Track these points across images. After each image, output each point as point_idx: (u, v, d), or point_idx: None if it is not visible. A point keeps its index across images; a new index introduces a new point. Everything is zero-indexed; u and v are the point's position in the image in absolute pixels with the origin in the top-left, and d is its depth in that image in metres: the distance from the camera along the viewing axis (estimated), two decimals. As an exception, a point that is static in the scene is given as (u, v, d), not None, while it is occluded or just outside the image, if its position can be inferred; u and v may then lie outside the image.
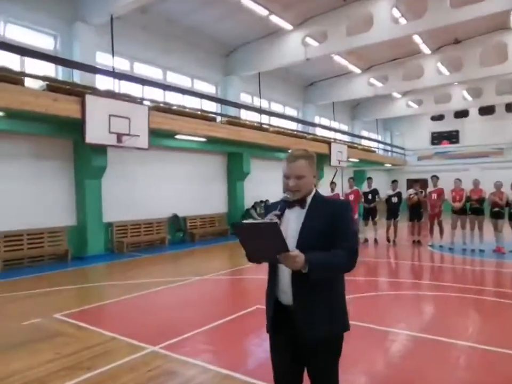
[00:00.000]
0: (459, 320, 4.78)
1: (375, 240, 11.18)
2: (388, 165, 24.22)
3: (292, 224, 2.01)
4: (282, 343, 2.05)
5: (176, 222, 11.98)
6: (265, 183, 16.17)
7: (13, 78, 7.67)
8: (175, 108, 11.41)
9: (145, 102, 10.36)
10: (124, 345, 3.98)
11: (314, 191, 2.07)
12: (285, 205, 2.03)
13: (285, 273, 1.97)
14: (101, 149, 9.30)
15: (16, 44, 8.92)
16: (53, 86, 8.35)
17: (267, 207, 2.21)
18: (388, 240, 10.95)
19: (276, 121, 16.37)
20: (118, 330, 4.38)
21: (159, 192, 11.60)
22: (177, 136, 11.12)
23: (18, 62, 9.33)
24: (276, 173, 17.44)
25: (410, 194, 10.68)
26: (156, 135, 10.30)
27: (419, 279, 7.21)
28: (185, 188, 12.52)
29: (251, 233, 1.78)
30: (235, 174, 14.17)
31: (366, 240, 11.33)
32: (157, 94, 12.20)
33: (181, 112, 11.23)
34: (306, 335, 1.93)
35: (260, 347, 3.94)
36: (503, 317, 4.83)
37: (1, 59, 8.55)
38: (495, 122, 23.23)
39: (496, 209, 9.17)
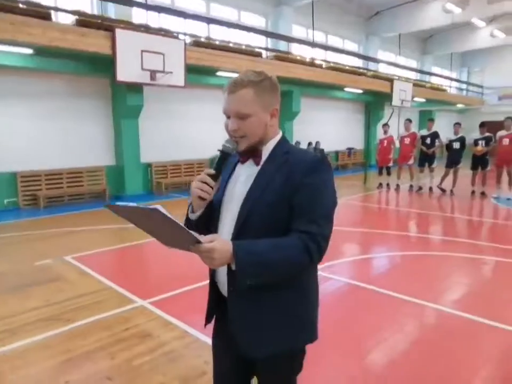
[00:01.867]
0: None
1: (430, 189, 10.09)
2: (461, 105, 21.65)
3: (237, 190, 1.37)
4: (223, 344, 1.50)
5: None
6: (317, 123, 15.22)
7: (41, 13, 7.38)
8: (217, 42, 10.66)
9: (185, 37, 9.71)
10: (115, 297, 3.78)
11: (278, 138, 1.39)
12: (225, 155, 1.35)
13: None
14: (136, 88, 8.97)
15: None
16: (83, 21, 7.97)
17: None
18: (442, 190, 9.82)
19: (332, 57, 14.95)
20: (117, 279, 4.21)
21: (200, 132, 11.24)
22: (218, 73, 10.47)
23: (53, -5, 9.01)
24: (330, 113, 16.44)
25: (477, 142, 9.22)
26: (195, 72, 9.75)
27: (476, 239, 6.26)
28: (229, 128, 12.00)
29: (136, 218, 1.22)
30: (283, 114, 13.30)
31: (420, 188, 10.28)
32: (200, 29, 11.45)
33: (223, 47, 10.47)
34: (244, 351, 1.35)
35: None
36: None
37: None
38: None
39: None
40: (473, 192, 9.47)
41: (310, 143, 14.29)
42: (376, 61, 16.92)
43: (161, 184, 10.04)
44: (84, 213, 7.82)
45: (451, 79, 21.70)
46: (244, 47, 11.28)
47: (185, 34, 10.17)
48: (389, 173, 10.74)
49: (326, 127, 15.62)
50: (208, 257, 1.16)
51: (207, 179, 1.31)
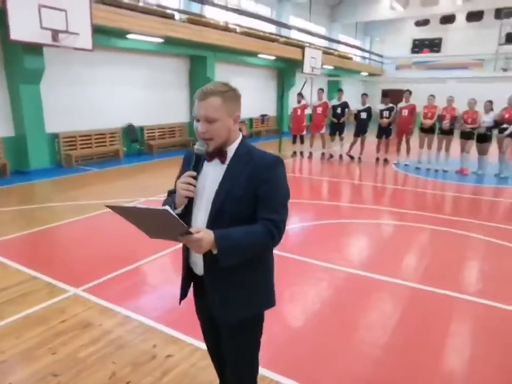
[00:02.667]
0: (397, 256, 4.61)
1: (340, 156, 10.84)
2: (364, 74, 23.08)
3: (208, 185, 1.59)
4: (203, 315, 1.80)
5: (131, 133, 11.14)
6: (232, 91, 15.11)
7: None
8: (125, 1, 9.86)
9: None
10: (44, 287, 3.58)
11: (239, 140, 1.61)
12: (200, 157, 1.56)
13: None
14: (34, 49, 8.03)
15: None
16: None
17: (186, 155, 1.72)
18: (351, 157, 10.63)
19: (245, 21, 14.76)
20: (41, 268, 3.95)
21: (111, 100, 10.55)
22: (129, 36, 9.79)
23: None
24: (243, 79, 16.34)
25: (382, 113, 10.02)
26: (104, 33, 9.01)
27: (379, 204, 6.99)
28: (142, 94, 11.44)
29: (138, 216, 1.43)
30: (198, 80, 12.99)
31: (331, 156, 10.98)
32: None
33: (133, 7, 9.73)
34: (219, 318, 1.64)
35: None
36: (439, 250, 4.68)
37: None
38: (481, 30, 21.79)
39: (468, 129, 8.77)
40: (377, 159, 10.40)
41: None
42: (288, 27, 17.11)
43: (70, 157, 9.33)
44: (-18, 192, 7.02)
45: (356, 47, 22.84)
46: (155, 7, 10.62)
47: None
48: (302, 141, 11.22)
49: (241, 94, 15.61)
50: (198, 245, 1.39)
51: (191, 180, 1.51)
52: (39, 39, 7.57)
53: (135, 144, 11.18)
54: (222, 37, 12.01)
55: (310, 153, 11.11)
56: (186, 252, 1.68)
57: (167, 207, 1.31)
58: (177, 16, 11.43)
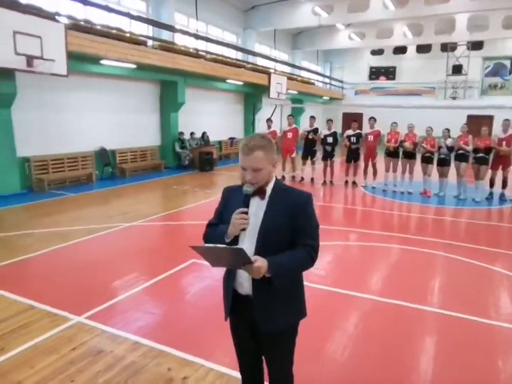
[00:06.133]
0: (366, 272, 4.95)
1: (312, 180, 11.25)
2: (326, 98, 24.11)
3: (251, 218, 1.86)
4: (242, 330, 2.01)
5: (104, 156, 11.08)
6: (202, 114, 15.39)
7: None
8: (99, 27, 9.97)
9: (60, 18, 8.85)
10: (44, 316, 3.57)
11: (274, 180, 1.93)
12: (245, 196, 1.86)
13: None
14: (6, 73, 7.94)
15: None
16: None
17: (227, 191, 2.04)
18: (324, 182, 11.02)
19: (213, 47, 15.19)
20: (37, 297, 3.93)
21: (84, 124, 10.51)
22: (102, 62, 9.86)
23: None
24: (213, 104, 16.62)
25: (345, 138, 10.65)
26: (77, 59, 9.03)
27: (348, 225, 7.36)
28: (114, 118, 11.46)
29: (213, 252, 1.75)
30: (169, 104, 13.21)
31: (302, 179, 11.37)
32: (75, 10, 10.50)
33: (107, 34, 9.85)
34: (265, 328, 1.89)
35: (198, 315, 3.76)
36: (404, 267, 5.08)
37: None
38: (430, 61, 23.58)
39: (428, 154, 9.47)
40: (346, 182, 10.92)
41: (192, 133, 14.39)
42: (254, 54, 17.73)
43: (42, 181, 9.15)
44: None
45: (317, 73, 23.89)
46: (128, 34, 10.78)
47: (59, 15, 9.25)
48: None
49: (209, 117, 15.91)
50: (257, 272, 1.70)
51: (245, 216, 1.81)
52: (13, 64, 7.51)
53: (108, 167, 11.10)
54: (193, 64, 12.32)
55: (283, 177, 11.45)
56: (230, 277, 1.94)
57: (241, 247, 1.69)
58: (149, 43, 11.64)
